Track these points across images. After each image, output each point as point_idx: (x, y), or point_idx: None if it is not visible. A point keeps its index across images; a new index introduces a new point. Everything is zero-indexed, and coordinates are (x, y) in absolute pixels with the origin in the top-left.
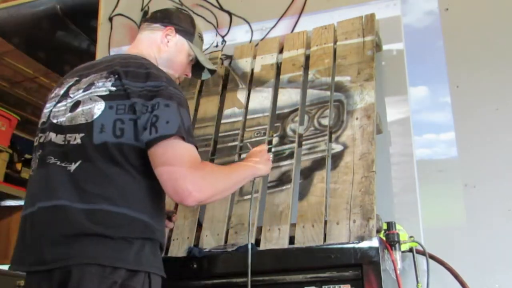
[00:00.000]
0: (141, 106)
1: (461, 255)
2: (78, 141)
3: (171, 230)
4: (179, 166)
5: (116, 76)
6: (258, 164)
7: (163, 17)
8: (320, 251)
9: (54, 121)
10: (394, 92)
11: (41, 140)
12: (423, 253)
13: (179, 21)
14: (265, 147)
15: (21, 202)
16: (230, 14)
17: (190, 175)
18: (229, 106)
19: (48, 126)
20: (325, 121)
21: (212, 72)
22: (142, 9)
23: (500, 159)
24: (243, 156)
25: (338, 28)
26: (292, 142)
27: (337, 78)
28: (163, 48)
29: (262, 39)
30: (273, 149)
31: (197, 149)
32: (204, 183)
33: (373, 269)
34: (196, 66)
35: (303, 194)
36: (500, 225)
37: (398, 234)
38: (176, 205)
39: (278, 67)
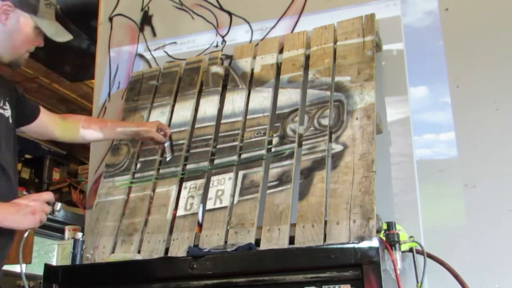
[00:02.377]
0: None
1: (461, 255)
2: None
3: (171, 231)
4: None
5: None
6: (13, 214)
7: None
8: (320, 251)
9: None
10: (394, 92)
11: None
12: (423, 253)
13: None
14: (45, 197)
15: None
16: (230, 14)
17: None
18: (229, 106)
19: None
20: (325, 121)
21: (67, 35)
22: (142, 9)
23: (500, 159)
24: (243, 156)
25: (338, 28)
26: (292, 142)
27: (337, 78)
28: (1, 25)
29: (262, 39)
30: (273, 149)
31: None
32: None
33: (373, 269)
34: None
35: (303, 194)
36: (500, 225)
37: (398, 234)
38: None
39: (278, 67)
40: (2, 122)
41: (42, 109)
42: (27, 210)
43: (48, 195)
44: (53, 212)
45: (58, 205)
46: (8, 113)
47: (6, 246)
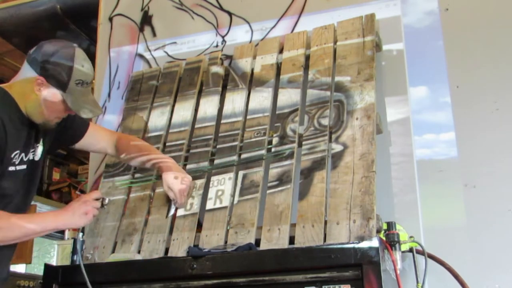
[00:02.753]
0: None
1: (461, 255)
2: None
3: (171, 231)
4: None
5: None
6: (69, 219)
7: (38, 61)
8: (320, 251)
9: None
10: (394, 92)
11: None
12: (423, 253)
13: (53, 70)
14: (93, 195)
15: None
16: (230, 14)
17: None
18: (229, 106)
19: None
20: (325, 121)
21: (95, 112)
22: (142, 9)
23: (500, 159)
24: (243, 156)
25: (338, 28)
26: (292, 142)
27: (337, 78)
28: (35, 93)
29: (262, 39)
30: (273, 149)
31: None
32: None
33: (373, 269)
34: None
35: (303, 194)
36: (500, 225)
37: (398, 234)
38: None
39: (278, 67)
40: (32, 166)
41: (92, 125)
42: (81, 212)
43: (96, 194)
44: (102, 206)
45: (107, 200)
46: (38, 150)
47: (14, 249)
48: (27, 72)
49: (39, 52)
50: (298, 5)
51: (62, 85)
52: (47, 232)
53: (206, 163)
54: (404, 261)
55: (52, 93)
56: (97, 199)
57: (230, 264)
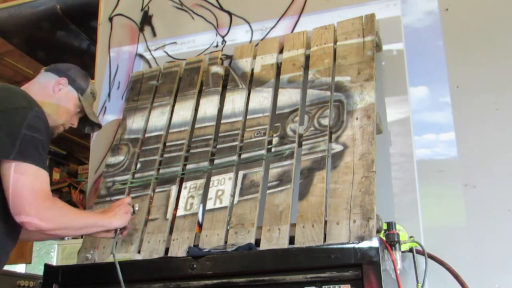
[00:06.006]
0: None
1: (461, 255)
2: None
3: (171, 231)
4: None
5: None
6: (113, 217)
7: (60, 69)
8: (320, 251)
9: None
10: (394, 92)
11: None
12: (423, 253)
13: (74, 75)
14: (127, 200)
15: None
16: (230, 14)
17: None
18: (229, 106)
19: None
20: (325, 121)
21: (99, 126)
22: (142, 9)
23: (500, 159)
24: (243, 156)
25: (338, 28)
26: (292, 142)
27: (337, 78)
28: (52, 94)
29: (262, 39)
30: (273, 149)
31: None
32: (49, 214)
33: (373, 269)
34: (83, 119)
35: (303, 194)
36: (500, 225)
37: (398, 234)
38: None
39: (278, 67)
40: None
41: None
42: (121, 212)
43: (128, 199)
44: (133, 212)
45: (137, 206)
46: None
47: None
48: (45, 78)
49: (59, 65)
50: (298, 5)
51: (81, 90)
52: (91, 231)
53: (206, 163)
54: (404, 261)
55: (71, 94)
56: (129, 204)
57: (230, 264)
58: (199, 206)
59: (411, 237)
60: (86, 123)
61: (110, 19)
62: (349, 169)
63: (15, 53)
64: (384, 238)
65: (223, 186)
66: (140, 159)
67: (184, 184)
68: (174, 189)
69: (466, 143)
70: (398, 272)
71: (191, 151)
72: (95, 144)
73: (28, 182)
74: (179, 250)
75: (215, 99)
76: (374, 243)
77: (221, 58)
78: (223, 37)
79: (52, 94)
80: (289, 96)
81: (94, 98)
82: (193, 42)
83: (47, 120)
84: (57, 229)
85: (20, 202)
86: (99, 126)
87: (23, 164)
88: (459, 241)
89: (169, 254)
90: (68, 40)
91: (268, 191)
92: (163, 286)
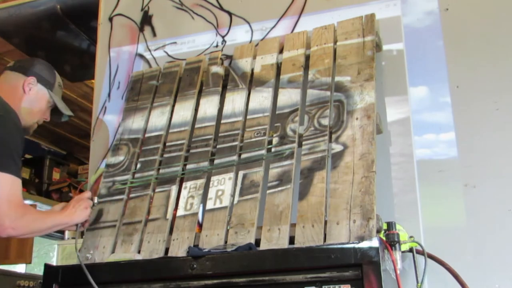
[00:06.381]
0: None
1: (461, 255)
2: None
3: (171, 231)
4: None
5: None
6: (73, 214)
7: (25, 68)
8: (320, 251)
9: None
10: (394, 92)
11: None
12: (423, 253)
13: (40, 71)
14: (86, 195)
15: None
16: (230, 14)
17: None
18: (229, 106)
19: None
20: (325, 121)
21: (69, 116)
22: (142, 9)
23: (500, 159)
24: (243, 156)
25: (338, 28)
26: (292, 142)
27: (337, 78)
28: (24, 95)
29: (262, 39)
30: (273, 149)
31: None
32: (22, 222)
33: (373, 269)
34: (55, 111)
35: (303, 194)
36: (500, 225)
37: (398, 234)
38: None
39: (278, 67)
40: None
41: None
42: (81, 207)
43: (88, 193)
44: (93, 205)
45: (96, 199)
46: None
47: None
48: (12, 79)
49: (22, 62)
50: (298, 5)
51: (49, 85)
52: (55, 229)
53: (206, 163)
54: (404, 261)
55: (41, 92)
56: (88, 198)
57: (230, 264)
58: (199, 206)
59: (411, 237)
60: (58, 114)
61: (110, 19)
62: (349, 169)
63: (15, 53)
64: (384, 238)
65: (223, 186)
66: (140, 159)
67: (184, 184)
68: (174, 189)
69: (466, 143)
70: (398, 272)
71: (191, 151)
72: (95, 144)
73: (5, 193)
74: (179, 250)
75: (215, 99)
76: (374, 243)
77: (221, 58)
78: (223, 37)
79: (23, 95)
80: (289, 96)
81: (61, 88)
82: (193, 42)
83: (21, 125)
84: (26, 234)
85: None
86: (70, 113)
87: None
88: (459, 241)
89: (169, 254)
90: (68, 40)
91: (268, 191)
92: (163, 286)
